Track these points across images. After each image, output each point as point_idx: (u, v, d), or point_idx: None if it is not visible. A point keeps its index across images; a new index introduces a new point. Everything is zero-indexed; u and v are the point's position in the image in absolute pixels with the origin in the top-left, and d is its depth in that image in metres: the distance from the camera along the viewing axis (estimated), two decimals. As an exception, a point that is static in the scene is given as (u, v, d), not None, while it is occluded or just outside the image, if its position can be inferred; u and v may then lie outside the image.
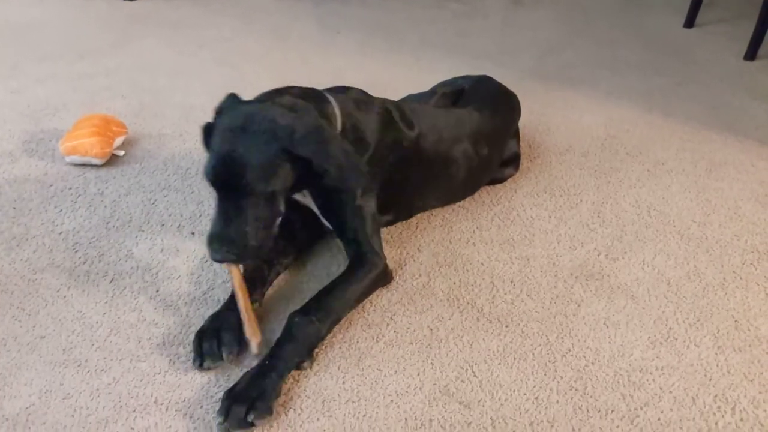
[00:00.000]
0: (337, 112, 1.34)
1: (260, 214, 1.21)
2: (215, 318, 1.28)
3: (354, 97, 1.43)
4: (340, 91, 1.44)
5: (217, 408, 1.14)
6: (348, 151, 1.26)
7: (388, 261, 1.42)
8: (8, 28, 2.65)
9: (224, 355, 1.22)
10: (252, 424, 1.11)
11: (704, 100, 2.25)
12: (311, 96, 1.33)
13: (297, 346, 1.22)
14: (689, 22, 2.84)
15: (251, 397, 1.13)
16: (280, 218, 1.27)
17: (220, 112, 1.27)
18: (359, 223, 1.38)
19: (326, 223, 1.44)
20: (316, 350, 1.27)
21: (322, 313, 1.27)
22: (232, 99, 1.29)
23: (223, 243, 1.20)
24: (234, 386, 1.16)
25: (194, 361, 1.22)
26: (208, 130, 1.27)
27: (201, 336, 1.25)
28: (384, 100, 1.50)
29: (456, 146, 1.56)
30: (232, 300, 1.31)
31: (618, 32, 2.79)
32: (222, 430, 1.10)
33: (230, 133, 1.20)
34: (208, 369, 1.22)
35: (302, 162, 1.21)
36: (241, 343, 1.25)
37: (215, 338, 1.24)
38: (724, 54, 2.60)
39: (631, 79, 2.39)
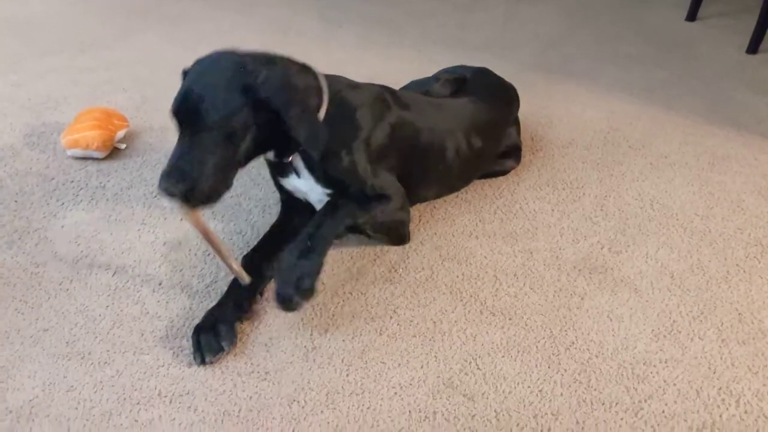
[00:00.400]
0: (325, 87, 1.34)
1: (216, 152, 1.20)
2: (210, 314, 1.29)
3: (341, 80, 1.43)
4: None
5: (217, 402, 1.14)
6: (311, 109, 1.27)
7: (391, 252, 1.42)
8: (9, 22, 2.65)
9: (224, 347, 1.23)
10: (299, 304, 1.23)
11: (706, 94, 2.24)
12: (298, 64, 1.33)
13: (336, 220, 1.30)
14: (691, 16, 2.83)
15: (295, 279, 1.22)
16: (237, 170, 1.26)
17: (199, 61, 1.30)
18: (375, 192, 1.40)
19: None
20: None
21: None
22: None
23: (172, 176, 1.18)
24: (281, 269, 1.25)
25: (195, 357, 1.23)
26: (186, 75, 1.30)
27: (198, 332, 1.25)
28: (375, 84, 1.50)
29: (449, 136, 1.55)
30: (226, 295, 1.32)
31: (620, 26, 2.78)
32: (288, 309, 1.23)
33: (199, 72, 1.25)
34: (210, 363, 1.22)
35: (266, 110, 1.20)
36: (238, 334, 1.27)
37: (212, 332, 1.24)
38: (726, 48, 2.59)
39: (633, 72, 2.38)
